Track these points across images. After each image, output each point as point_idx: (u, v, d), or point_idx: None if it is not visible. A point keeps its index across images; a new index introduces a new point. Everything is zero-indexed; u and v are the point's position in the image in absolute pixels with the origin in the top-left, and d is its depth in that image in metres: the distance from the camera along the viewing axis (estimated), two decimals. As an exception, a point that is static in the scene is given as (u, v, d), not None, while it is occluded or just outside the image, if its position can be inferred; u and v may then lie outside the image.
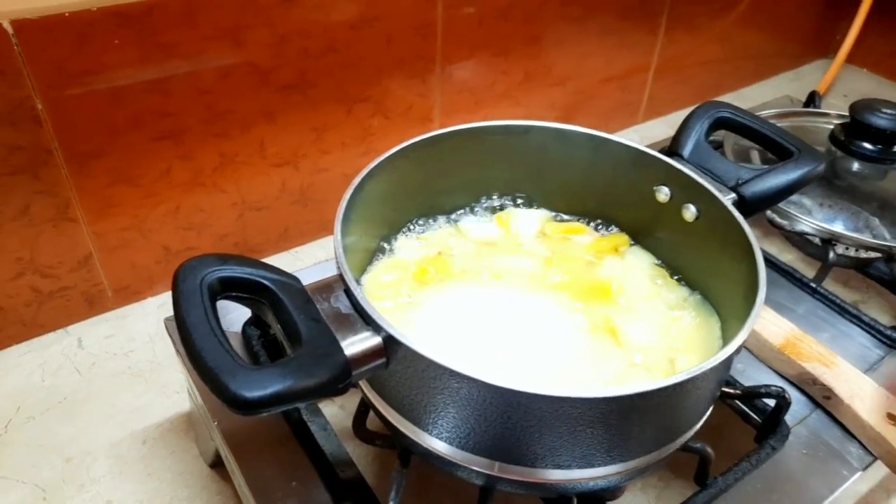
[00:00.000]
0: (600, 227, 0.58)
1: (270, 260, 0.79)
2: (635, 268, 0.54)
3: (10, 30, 0.53)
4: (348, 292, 0.37)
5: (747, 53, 1.19)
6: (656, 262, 0.55)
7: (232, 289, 0.36)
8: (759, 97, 1.20)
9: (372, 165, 0.46)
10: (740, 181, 0.49)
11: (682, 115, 1.14)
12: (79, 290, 0.68)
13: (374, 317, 0.36)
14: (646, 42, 1.01)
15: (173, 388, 0.64)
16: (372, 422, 0.45)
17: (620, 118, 1.08)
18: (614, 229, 0.58)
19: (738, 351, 0.37)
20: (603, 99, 1.02)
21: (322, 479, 0.45)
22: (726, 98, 1.20)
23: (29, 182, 0.59)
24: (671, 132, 1.13)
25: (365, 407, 0.45)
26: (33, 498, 0.54)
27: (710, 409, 0.44)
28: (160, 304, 0.72)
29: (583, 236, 0.57)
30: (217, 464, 0.58)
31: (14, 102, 0.56)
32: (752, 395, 0.50)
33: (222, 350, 0.31)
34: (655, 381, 0.33)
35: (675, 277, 0.53)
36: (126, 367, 0.66)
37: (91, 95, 0.59)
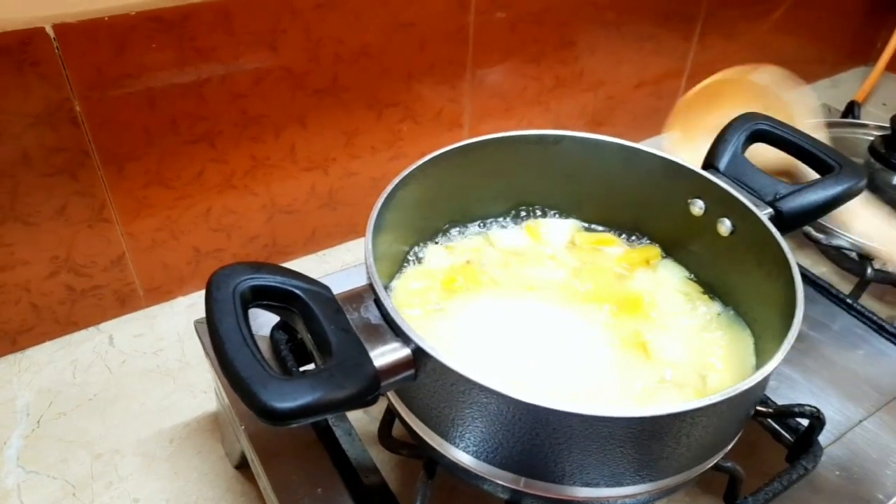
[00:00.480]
0: (632, 238, 0.58)
1: (298, 262, 0.80)
2: (667, 281, 0.53)
3: (51, 34, 0.54)
4: (378, 303, 0.37)
5: (783, 60, 1.16)
6: (689, 276, 0.54)
7: (264, 297, 0.36)
8: (794, 105, 1.18)
9: (403, 175, 0.46)
10: (778, 196, 0.48)
11: (715, 122, 1.13)
12: (111, 289, 0.69)
13: (404, 328, 0.36)
14: (680, 48, 0.99)
15: (200, 388, 0.65)
16: (397, 430, 0.45)
17: (652, 124, 1.06)
18: (646, 241, 0.57)
19: (773, 371, 0.37)
20: (634, 105, 1.01)
21: (347, 486, 0.45)
22: (761, 106, 1.18)
23: (67, 183, 0.61)
24: (704, 139, 1.10)
25: (391, 415, 0.45)
26: (63, 493, 0.55)
27: (743, 428, 0.43)
28: (189, 304, 0.73)
29: (613, 248, 0.57)
30: (242, 465, 0.58)
31: (54, 104, 0.57)
32: (785, 414, 0.49)
33: (254, 360, 0.32)
34: (690, 402, 0.33)
35: (708, 294, 0.53)
36: (155, 366, 0.67)
37: (128, 98, 0.60)
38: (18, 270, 0.62)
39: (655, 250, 0.56)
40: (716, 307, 0.51)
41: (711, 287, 0.53)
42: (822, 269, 0.81)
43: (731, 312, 0.50)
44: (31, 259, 0.62)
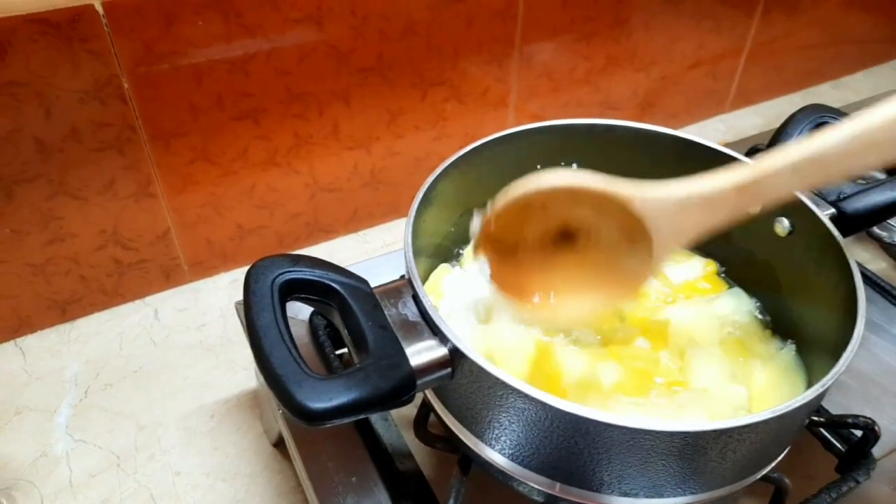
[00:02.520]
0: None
1: (339, 241, 0.80)
2: (731, 312, 0.50)
3: (100, 10, 0.54)
4: (416, 299, 0.37)
5: (852, 38, 1.11)
6: (756, 309, 0.50)
7: (301, 290, 0.36)
8: (861, 87, 1.12)
9: (442, 167, 0.45)
10: (842, 196, 0.46)
11: (773, 104, 1.09)
12: (157, 263, 0.70)
13: (441, 327, 0.35)
14: (740, 25, 0.95)
15: (241, 365, 0.66)
16: (433, 423, 0.45)
17: (706, 106, 1.02)
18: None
19: (829, 387, 0.35)
20: (688, 86, 0.97)
21: (381, 476, 0.45)
22: (825, 87, 1.13)
23: (115, 158, 0.61)
24: (760, 122, 1.06)
25: (426, 409, 0.44)
26: (108, 463, 0.57)
27: (792, 441, 0.41)
28: (232, 280, 0.74)
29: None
30: (280, 443, 0.59)
31: (103, 80, 0.57)
32: (839, 424, 0.47)
33: (290, 358, 0.31)
34: (738, 418, 0.31)
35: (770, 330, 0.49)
36: (198, 341, 0.68)
37: (175, 75, 0.60)
38: (68, 243, 0.64)
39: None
40: (774, 346, 0.48)
41: (767, 293, 0.50)
42: (882, 265, 0.77)
43: (793, 351, 0.47)
44: (79, 232, 0.64)
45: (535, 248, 0.41)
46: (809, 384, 0.44)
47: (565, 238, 0.40)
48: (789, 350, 0.47)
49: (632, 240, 0.38)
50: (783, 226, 0.47)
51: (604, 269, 0.40)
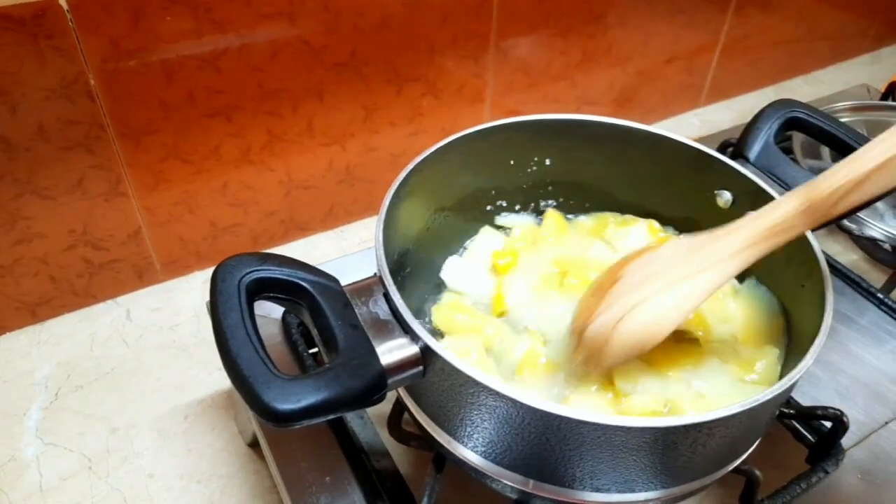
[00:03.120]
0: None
1: (315, 238, 0.79)
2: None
3: (64, 5, 0.53)
4: (387, 297, 0.36)
5: (824, 34, 1.12)
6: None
7: (270, 289, 0.35)
8: (833, 81, 1.13)
9: (413, 164, 0.45)
10: (810, 189, 0.46)
11: (746, 98, 1.10)
12: (129, 263, 0.69)
13: (413, 325, 0.35)
14: (714, 20, 0.95)
15: (215, 365, 0.65)
16: (408, 421, 0.45)
17: (681, 101, 1.03)
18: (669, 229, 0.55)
19: (798, 381, 0.35)
20: (664, 81, 0.97)
21: (355, 475, 0.45)
22: (797, 81, 1.14)
23: (84, 156, 0.60)
24: (734, 117, 1.07)
25: (400, 407, 0.44)
26: (80, 466, 0.56)
27: (763, 434, 0.41)
28: (205, 280, 0.73)
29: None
30: (256, 443, 0.58)
31: (69, 78, 0.56)
32: (809, 415, 0.48)
33: (258, 358, 0.31)
34: (706, 412, 0.32)
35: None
36: (171, 342, 0.67)
37: (144, 71, 0.59)
38: (36, 243, 0.62)
39: None
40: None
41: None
42: (853, 257, 0.79)
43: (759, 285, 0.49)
44: (48, 232, 0.62)
45: None
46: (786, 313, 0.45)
47: None
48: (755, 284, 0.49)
49: None
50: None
51: None
